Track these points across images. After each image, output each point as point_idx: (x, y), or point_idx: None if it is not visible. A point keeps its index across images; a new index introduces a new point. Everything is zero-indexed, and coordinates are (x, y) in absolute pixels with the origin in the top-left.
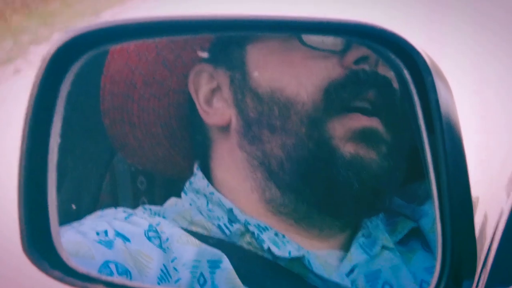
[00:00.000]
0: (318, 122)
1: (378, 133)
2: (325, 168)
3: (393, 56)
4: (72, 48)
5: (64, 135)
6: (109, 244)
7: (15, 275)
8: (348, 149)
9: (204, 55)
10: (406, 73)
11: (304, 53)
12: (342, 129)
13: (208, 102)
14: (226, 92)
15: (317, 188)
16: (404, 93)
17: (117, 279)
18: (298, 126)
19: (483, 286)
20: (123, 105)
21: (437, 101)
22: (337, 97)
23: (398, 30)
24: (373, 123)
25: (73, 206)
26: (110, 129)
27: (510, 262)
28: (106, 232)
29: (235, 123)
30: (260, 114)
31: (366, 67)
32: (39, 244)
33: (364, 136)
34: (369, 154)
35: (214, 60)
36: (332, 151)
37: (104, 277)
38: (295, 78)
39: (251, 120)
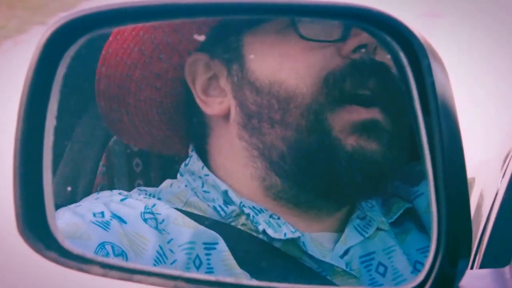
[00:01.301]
0: (318, 114)
1: (379, 123)
2: (327, 160)
3: (389, 39)
4: (69, 31)
5: (60, 117)
6: (105, 225)
7: (10, 256)
8: (349, 141)
9: (201, 38)
10: (402, 55)
11: (302, 45)
12: (342, 122)
13: (205, 91)
14: (223, 81)
15: (319, 178)
16: (400, 76)
17: (112, 260)
18: (298, 119)
19: (478, 265)
20: (119, 95)
21: (433, 83)
22: (337, 87)
23: (394, 13)
24: (373, 114)
25: (68, 188)
26: (105, 117)
27: (505, 243)
28: (102, 213)
29: (234, 114)
30: (260, 107)
31: (364, 55)
32: (34, 226)
33: (364, 129)
34: (370, 145)
35: (210, 49)
36: (334, 144)
37: (99, 258)
38: (293, 70)
39: (251, 112)
